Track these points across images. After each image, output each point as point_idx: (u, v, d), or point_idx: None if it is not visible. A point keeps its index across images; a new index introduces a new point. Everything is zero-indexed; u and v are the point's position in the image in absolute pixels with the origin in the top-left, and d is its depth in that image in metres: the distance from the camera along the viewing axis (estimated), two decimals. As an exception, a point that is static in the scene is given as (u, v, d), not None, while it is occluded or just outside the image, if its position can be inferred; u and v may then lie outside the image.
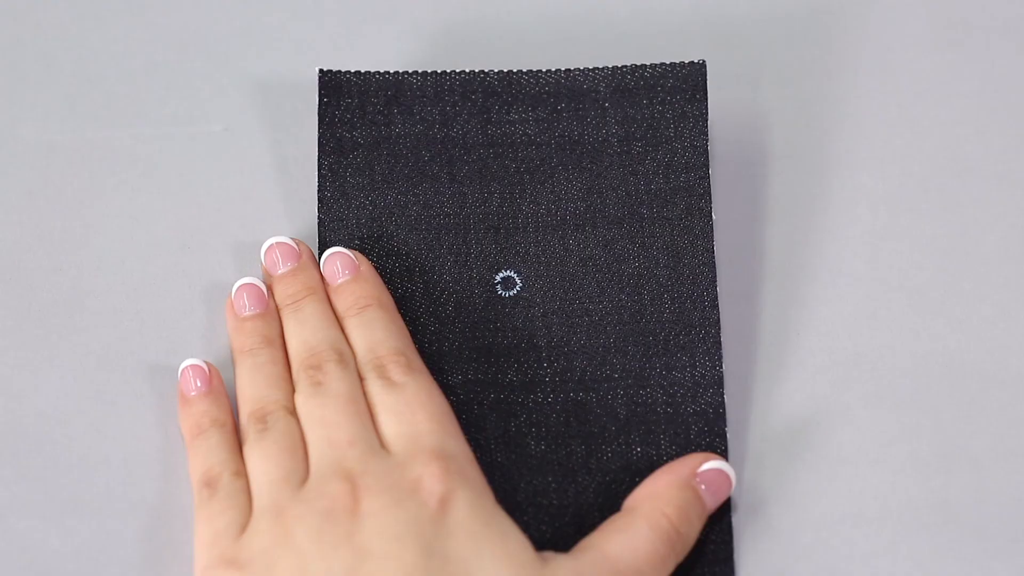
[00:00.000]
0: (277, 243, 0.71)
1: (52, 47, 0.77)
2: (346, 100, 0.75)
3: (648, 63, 0.73)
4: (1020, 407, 0.69)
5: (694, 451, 0.67)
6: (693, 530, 0.65)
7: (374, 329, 0.68)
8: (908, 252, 0.72)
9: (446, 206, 0.73)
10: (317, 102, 0.74)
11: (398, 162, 0.74)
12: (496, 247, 0.72)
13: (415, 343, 0.69)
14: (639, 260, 0.71)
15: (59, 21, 0.78)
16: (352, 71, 0.75)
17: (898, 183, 0.74)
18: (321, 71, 0.75)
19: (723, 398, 0.68)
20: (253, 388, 0.67)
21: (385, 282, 0.71)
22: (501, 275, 0.72)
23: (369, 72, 0.75)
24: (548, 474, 0.67)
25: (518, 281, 0.72)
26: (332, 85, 0.75)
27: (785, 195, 0.74)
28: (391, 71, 0.75)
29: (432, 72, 0.75)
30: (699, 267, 0.71)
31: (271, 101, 0.76)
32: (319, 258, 0.71)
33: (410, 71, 0.75)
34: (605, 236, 0.72)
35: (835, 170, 0.74)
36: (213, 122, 0.76)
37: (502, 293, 0.71)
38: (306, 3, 0.79)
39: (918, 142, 0.75)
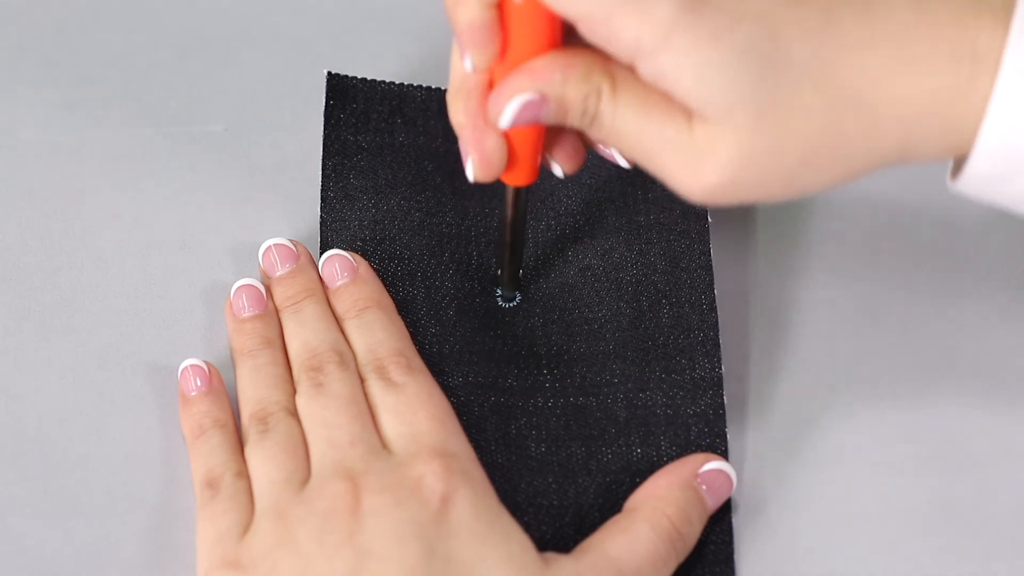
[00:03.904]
0: (275, 244, 0.71)
1: (52, 47, 0.77)
2: (351, 105, 0.75)
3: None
4: (1020, 407, 0.69)
5: (694, 452, 0.67)
6: (694, 530, 0.65)
7: (374, 330, 0.68)
8: (908, 252, 0.73)
9: (448, 216, 0.73)
10: (322, 103, 0.75)
11: (401, 168, 0.74)
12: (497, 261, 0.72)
13: (416, 345, 0.69)
14: (637, 267, 0.71)
15: (59, 21, 0.78)
16: (359, 77, 0.75)
17: (897, 183, 0.74)
18: (329, 74, 0.75)
19: (723, 399, 0.68)
20: (254, 389, 0.67)
21: (386, 285, 0.71)
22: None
23: (375, 80, 0.75)
24: (548, 475, 0.67)
25: (518, 294, 0.72)
26: (339, 89, 0.75)
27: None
28: (396, 82, 0.75)
29: (436, 88, 0.75)
30: (697, 271, 0.71)
31: (271, 101, 0.76)
32: (318, 260, 0.71)
33: (414, 84, 0.75)
34: (603, 245, 0.72)
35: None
36: (213, 122, 0.76)
37: (503, 305, 0.71)
38: (306, 3, 0.79)
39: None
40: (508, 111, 0.58)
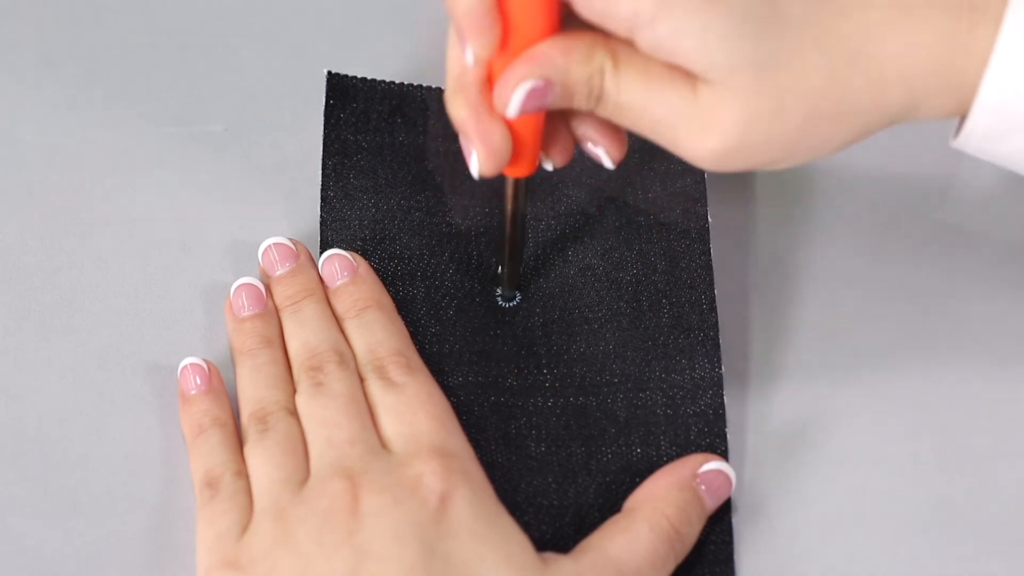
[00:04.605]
0: (275, 243, 0.71)
1: (52, 47, 0.77)
2: (351, 104, 0.75)
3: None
4: (1020, 407, 0.69)
5: (694, 452, 0.67)
6: (693, 531, 0.65)
7: (373, 330, 0.68)
8: (908, 253, 0.73)
9: (449, 215, 0.73)
10: (322, 103, 0.75)
11: (402, 168, 0.74)
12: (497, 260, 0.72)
13: (416, 345, 0.69)
14: (637, 266, 0.71)
15: (59, 21, 0.78)
16: (359, 77, 0.75)
17: (895, 184, 0.74)
18: (329, 73, 0.75)
19: (723, 399, 0.68)
20: (254, 389, 0.67)
21: (386, 284, 0.71)
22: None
23: (375, 80, 0.75)
24: (548, 475, 0.67)
25: (518, 293, 0.72)
26: (339, 88, 0.75)
27: (783, 195, 0.74)
28: (396, 82, 0.75)
29: (436, 88, 0.75)
30: (697, 271, 0.71)
31: (271, 101, 0.76)
32: (317, 259, 0.71)
33: (414, 84, 0.75)
34: (603, 245, 0.72)
35: (832, 170, 0.75)
36: (213, 122, 0.76)
37: (503, 304, 0.71)
38: (306, 3, 0.79)
39: (915, 142, 0.74)
40: (515, 99, 0.59)
